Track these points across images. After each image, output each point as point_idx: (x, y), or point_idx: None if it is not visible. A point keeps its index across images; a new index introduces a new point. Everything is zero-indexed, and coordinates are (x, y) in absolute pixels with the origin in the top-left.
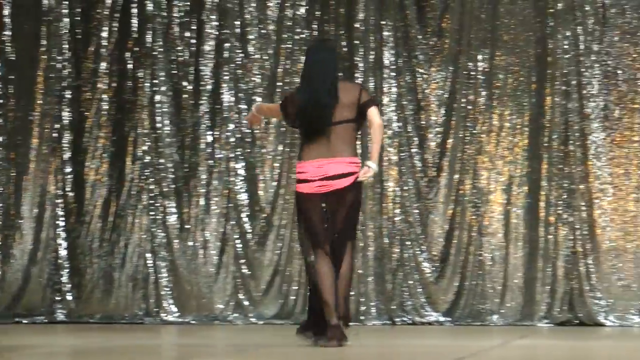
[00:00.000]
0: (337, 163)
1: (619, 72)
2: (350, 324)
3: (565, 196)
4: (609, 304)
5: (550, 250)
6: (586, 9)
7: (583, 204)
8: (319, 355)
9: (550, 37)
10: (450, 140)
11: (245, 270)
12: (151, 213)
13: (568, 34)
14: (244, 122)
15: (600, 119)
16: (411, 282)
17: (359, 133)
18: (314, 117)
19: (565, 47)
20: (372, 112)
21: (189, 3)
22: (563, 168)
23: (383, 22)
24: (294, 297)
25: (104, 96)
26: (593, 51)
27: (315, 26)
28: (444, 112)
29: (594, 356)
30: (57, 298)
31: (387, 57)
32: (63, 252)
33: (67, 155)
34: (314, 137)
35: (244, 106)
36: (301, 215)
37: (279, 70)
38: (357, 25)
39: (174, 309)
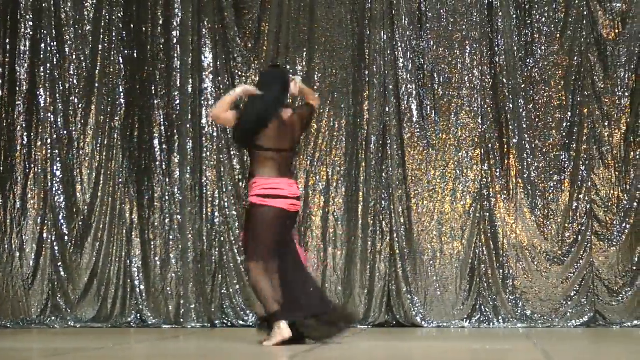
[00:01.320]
0: (296, 185)
1: (435, 75)
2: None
3: (383, 198)
4: (425, 305)
5: (369, 252)
6: (402, 14)
7: (400, 206)
8: (138, 357)
9: (368, 40)
10: None
11: (62, 274)
12: None
13: (385, 37)
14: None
15: (416, 122)
16: (230, 285)
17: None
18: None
19: (382, 50)
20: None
21: (2, 2)
22: (381, 170)
23: (201, 24)
24: (112, 300)
25: None
26: (409, 55)
27: (132, 27)
28: None
29: (410, 356)
30: None
31: (206, 59)
32: None
33: None
34: (279, 155)
35: (60, 107)
36: (259, 227)
37: (96, 71)
38: (174, 26)
39: None
